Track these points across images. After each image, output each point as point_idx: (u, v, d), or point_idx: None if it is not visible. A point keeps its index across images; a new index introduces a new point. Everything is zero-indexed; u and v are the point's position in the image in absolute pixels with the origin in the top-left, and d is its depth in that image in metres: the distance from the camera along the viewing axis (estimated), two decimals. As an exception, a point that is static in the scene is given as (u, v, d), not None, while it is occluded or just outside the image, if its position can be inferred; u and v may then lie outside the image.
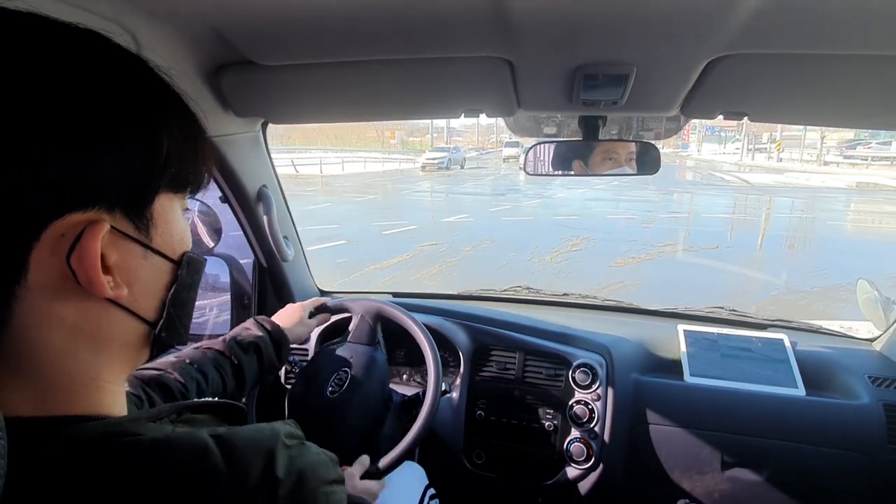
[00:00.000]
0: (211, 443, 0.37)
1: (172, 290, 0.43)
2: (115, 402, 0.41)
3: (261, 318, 1.05)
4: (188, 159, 0.42)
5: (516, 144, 29.55)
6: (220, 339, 0.97)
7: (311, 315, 1.20)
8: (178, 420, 0.42)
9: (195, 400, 0.45)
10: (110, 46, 0.38)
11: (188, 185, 0.44)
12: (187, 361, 0.86)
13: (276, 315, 1.14)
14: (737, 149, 27.54)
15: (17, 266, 0.33)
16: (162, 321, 0.42)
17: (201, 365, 0.88)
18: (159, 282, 0.42)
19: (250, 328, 1.02)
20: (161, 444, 0.36)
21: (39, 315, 0.35)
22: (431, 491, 1.19)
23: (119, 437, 0.36)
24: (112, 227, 0.36)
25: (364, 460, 1.03)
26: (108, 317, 0.39)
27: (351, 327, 1.20)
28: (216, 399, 0.48)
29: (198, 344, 0.94)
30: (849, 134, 27.47)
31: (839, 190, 16.87)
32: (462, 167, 26.39)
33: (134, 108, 0.37)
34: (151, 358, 0.45)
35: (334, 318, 1.31)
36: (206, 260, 0.49)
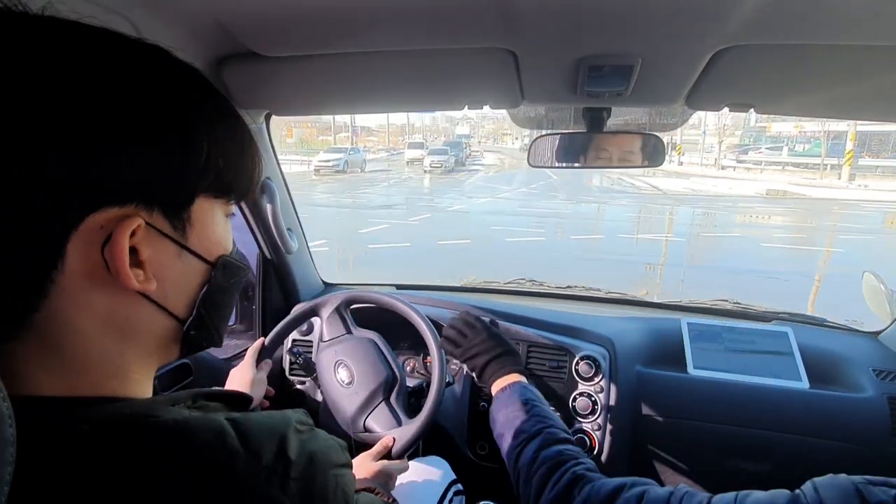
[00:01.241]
0: (227, 425, 0.38)
1: (204, 290, 0.44)
2: (139, 389, 0.43)
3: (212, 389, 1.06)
4: (230, 165, 0.43)
5: (420, 146, 28.08)
6: None
7: (257, 366, 1.19)
8: (193, 406, 0.43)
9: (207, 389, 0.46)
10: (157, 52, 0.40)
11: (230, 191, 0.45)
12: None
13: (228, 385, 1.14)
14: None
15: (55, 253, 0.35)
16: (191, 319, 0.44)
17: None
18: (192, 281, 0.44)
19: None
20: (181, 425, 0.38)
21: (73, 300, 0.37)
22: (457, 487, 1.19)
23: (141, 419, 0.37)
24: (147, 223, 0.38)
25: (387, 441, 1.06)
26: (137, 309, 0.40)
27: (323, 332, 1.26)
28: (224, 389, 0.49)
29: None
30: (736, 140, 29.16)
31: (751, 198, 16.00)
32: (362, 170, 24.19)
33: (173, 111, 0.39)
34: (182, 356, 0.47)
35: (341, 309, 1.32)
36: (247, 267, 0.51)
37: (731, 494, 0.55)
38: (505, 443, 0.84)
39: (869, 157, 23.38)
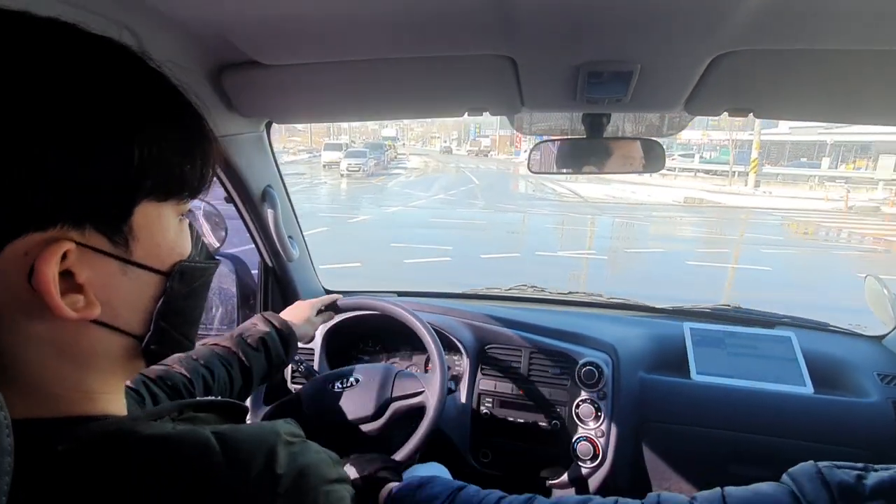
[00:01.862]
0: (212, 440, 0.37)
1: (161, 302, 0.41)
2: (111, 406, 0.41)
3: (268, 313, 1.05)
4: (173, 165, 0.39)
5: (338, 147, 25.95)
6: (228, 335, 0.96)
7: (319, 312, 1.20)
8: (180, 418, 0.42)
9: (198, 398, 0.45)
10: (79, 38, 0.35)
11: (180, 191, 0.40)
12: (193, 357, 0.86)
13: (284, 312, 1.14)
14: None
15: None
16: (150, 334, 0.41)
17: (208, 361, 0.87)
18: (144, 295, 0.40)
19: (257, 324, 1.00)
20: (161, 441, 0.36)
21: (16, 333, 0.34)
22: None
23: (121, 436, 0.36)
24: (79, 243, 0.34)
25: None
26: (86, 334, 0.37)
27: None
28: (218, 398, 0.48)
29: (204, 340, 0.94)
30: None
31: (670, 206, 15.55)
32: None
33: (93, 118, 0.34)
34: (147, 366, 0.44)
35: (339, 317, 1.32)
36: (209, 266, 0.47)
37: (715, 490, 0.56)
38: None
39: (769, 164, 24.47)
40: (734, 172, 21.20)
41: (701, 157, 28.76)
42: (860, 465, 0.46)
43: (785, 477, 0.51)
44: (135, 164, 0.35)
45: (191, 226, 0.45)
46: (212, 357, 0.89)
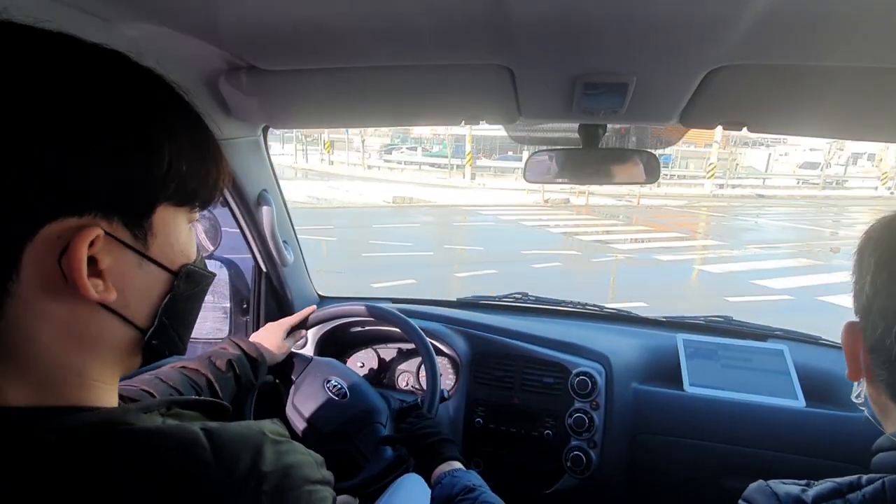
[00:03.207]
0: (201, 436, 0.38)
1: (167, 299, 0.44)
2: (104, 398, 0.42)
3: (237, 337, 1.09)
4: (194, 174, 0.43)
5: None
6: (197, 358, 0.99)
7: (290, 333, 1.22)
8: (168, 414, 0.43)
9: (184, 397, 0.46)
10: (118, 59, 0.40)
11: (194, 199, 0.45)
12: (162, 379, 0.88)
13: (254, 335, 1.17)
14: (297, 148, 25.62)
15: (10, 264, 0.35)
16: (153, 329, 0.43)
17: (176, 383, 0.89)
18: (153, 290, 0.43)
19: (227, 348, 1.04)
20: (153, 433, 0.37)
21: (31, 311, 0.36)
22: None
23: (112, 426, 0.37)
24: (107, 233, 0.38)
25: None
26: (97, 319, 0.40)
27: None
28: (203, 398, 0.49)
29: (174, 363, 0.96)
30: (386, 139, 30.50)
31: (380, 209, 13.80)
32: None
33: (133, 119, 0.38)
34: (144, 364, 0.46)
35: (331, 323, 1.31)
36: (212, 275, 0.50)
37: None
38: None
39: (484, 157, 25.45)
40: (453, 166, 21.71)
41: (425, 150, 28.75)
42: (803, 481, 0.51)
43: (740, 501, 0.55)
44: (164, 167, 0.40)
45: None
46: (181, 379, 0.91)
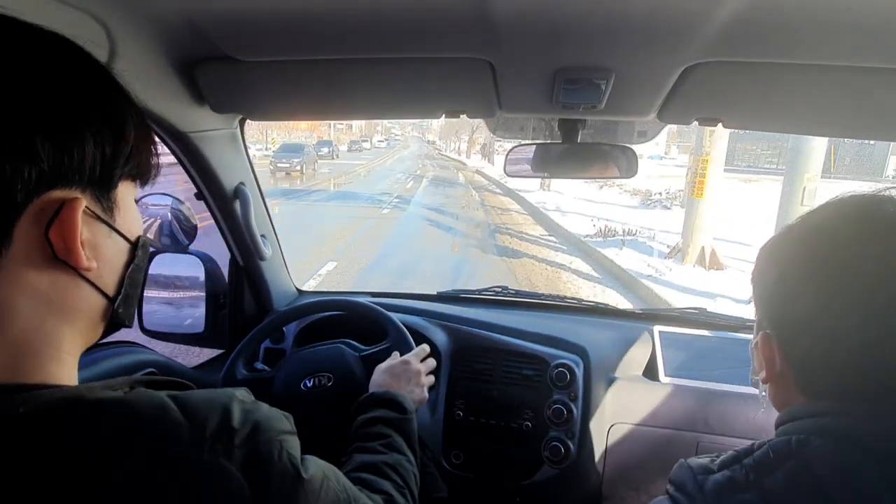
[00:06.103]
0: (167, 400, 0.39)
1: (130, 268, 0.47)
2: (70, 374, 0.43)
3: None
4: (145, 152, 0.47)
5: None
6: None
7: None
8: (131, 392, 0.43)
9: (148, 377, 0.48)
10: (86, 56, 0.43)
11: (145, 175, 0.49)
12: None
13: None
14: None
15: (3, 236, 0.37)
16: (120, 297, 0.46)
17: None
18: (119, 261, 0.46)
19: None
20: (120, 402, 0.39)
21: (15, 283, 0.38)
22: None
23: (75, 400, 0.38)
24: (86, 206, 0.40)
25: (421, 352, 1.10)
26: (75, 289, 0.42)
27: None
28: (166, 377, 0.50)
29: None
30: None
31: None
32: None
33: (108, 105, 0.42)
34: (104, 336, 0.48)
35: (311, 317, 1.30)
36: (154, 246, 0.54)
37: None
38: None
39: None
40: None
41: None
42: (714, 453, 0.57)
43: (668, 483, 0.61)
44: (129, 144, 0.44)
45: None
46: None
